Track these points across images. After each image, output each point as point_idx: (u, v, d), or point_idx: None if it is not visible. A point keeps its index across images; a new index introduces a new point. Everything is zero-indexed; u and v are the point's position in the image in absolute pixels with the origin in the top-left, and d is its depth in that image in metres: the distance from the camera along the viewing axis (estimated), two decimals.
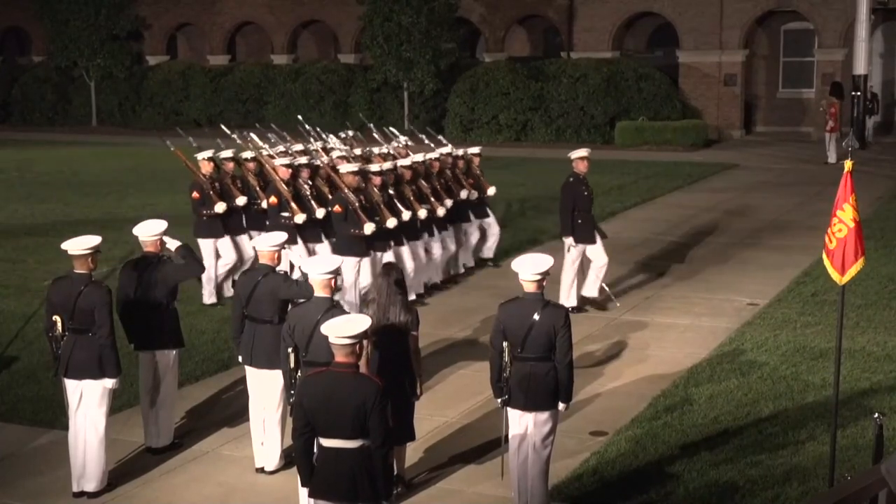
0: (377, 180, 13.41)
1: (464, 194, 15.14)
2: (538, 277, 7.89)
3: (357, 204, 12.88)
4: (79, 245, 8.64)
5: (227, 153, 14.61)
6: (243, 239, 14.26)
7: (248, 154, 14.65)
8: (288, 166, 13.74)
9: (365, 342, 6.66)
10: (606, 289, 13.94)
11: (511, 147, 32.17)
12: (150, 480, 8.89)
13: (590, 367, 11.46)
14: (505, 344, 7.89)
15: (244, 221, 14.28)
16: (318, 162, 14.35)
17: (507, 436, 8.26)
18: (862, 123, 30.97)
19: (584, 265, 13.80)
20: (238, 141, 15.15)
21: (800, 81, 35.54)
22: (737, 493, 8.33)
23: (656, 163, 28.45)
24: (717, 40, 34.50)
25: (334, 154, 14.90)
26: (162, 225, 9.52)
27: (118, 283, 9.51)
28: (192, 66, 39.86)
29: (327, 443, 6.44)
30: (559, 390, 7.93)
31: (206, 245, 13.96)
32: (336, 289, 8.19)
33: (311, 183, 13.87)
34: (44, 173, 27.71)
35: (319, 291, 8.03)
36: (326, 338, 6.57)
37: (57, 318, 8.56)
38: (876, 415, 7.48)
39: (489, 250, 16.13)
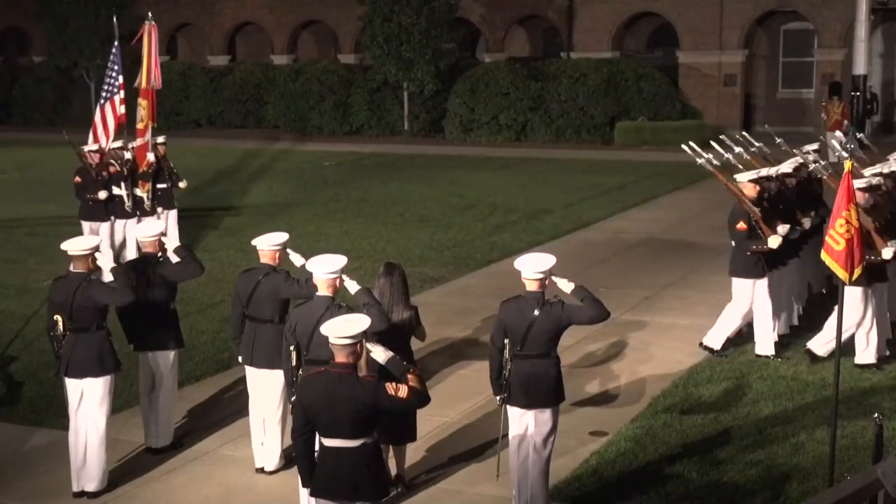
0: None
1: None
2: (540, 276, 7.94)
3: (874, 226, 10.75)
4: (78, 245, 8.68)
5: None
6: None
7: (783, 169, 12.32)
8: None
9: (364, 341, 6.66)
10: None
11: (511, 147, 32.16)
12: (150, 480, 8.90)
13: (590, 367, 11.47)
14: (506, 341, 7.92)
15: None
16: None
17: (504, 434, 8.27)
18: (861, 124, 30.93)
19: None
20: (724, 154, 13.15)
21: (800, 81, 35.54)
22: (737, 493, 8.34)
23: (656, 163, 28.43)
24: (716, 40, 34.48)
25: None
26: (160, 225, 9.54)
27: None
28: (192, 67, 39.82)
29: (328, 442, 6.44)
30: (560, 385, 8.01)
31: (747, 286, 11.51)
32: None
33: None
34: (44, 173, 27.67)
35: (322, 290, 8.05)
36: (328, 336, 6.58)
37: (58, 317, 8.58)
38: (876, 415, 7.50)
39: None
